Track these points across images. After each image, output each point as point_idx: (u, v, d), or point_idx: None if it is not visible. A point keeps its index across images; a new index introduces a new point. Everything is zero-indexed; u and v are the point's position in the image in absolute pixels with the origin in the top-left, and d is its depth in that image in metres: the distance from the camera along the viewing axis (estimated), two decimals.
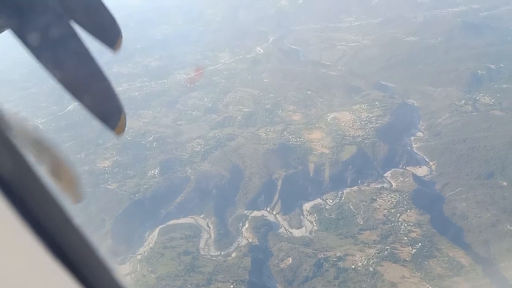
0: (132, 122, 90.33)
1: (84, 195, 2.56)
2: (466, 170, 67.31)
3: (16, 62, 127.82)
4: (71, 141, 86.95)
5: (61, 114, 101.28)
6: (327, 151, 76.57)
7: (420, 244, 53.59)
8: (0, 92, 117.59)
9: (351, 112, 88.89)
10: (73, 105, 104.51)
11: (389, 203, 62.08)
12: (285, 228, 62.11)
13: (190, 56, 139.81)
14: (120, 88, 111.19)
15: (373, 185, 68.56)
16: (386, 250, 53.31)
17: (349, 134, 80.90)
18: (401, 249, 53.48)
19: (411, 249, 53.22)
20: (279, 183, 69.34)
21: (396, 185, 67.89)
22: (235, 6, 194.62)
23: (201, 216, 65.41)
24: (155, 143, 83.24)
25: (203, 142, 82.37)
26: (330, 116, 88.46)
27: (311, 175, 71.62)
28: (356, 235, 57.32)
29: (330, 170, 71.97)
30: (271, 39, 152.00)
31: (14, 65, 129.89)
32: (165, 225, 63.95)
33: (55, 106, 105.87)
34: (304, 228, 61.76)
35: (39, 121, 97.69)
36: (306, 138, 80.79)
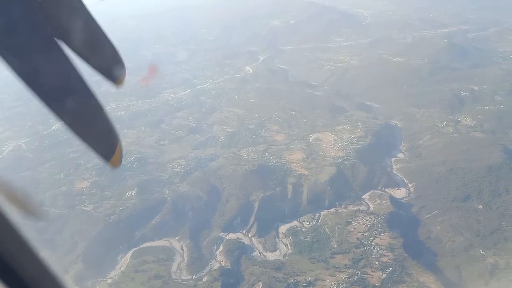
0: None
1: (42, 213, 2.51)
2: (444, 192, 67.02)
3: (6, 82, 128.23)
4: (52, 161, 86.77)
5: (46, 134, 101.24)
6: (306, 172, 76.41)
7: (391, 268, 52.93)
8: None
9: (334, 133, 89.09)
10: (58, 125, 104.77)
11: (364, 226, 61.58)
12: (259, 251, 61.41)
13: (179, 75, 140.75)
14: (108, 107, 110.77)
15: (350, 207, 68.09)
16: (357, 275, 52.60)
17: (330, 155, 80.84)
18: (372, 273, 52.79)
19: (381, 274, 52.51)
20: (256, 205, 68.92)
21: (373, 208, 67.45)
22: (228, 26, 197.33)
23: (176, 238, 64.74)
24: (135, 163, 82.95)
25: (184, 163, 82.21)
26: (313, 136, 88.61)
27: (289, 196, 71.24)
28: (329, 259, 56.64)
29: (308, 192, 71.66)
30: (261, 58, 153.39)
31: (4, 84, 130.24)
32: (138, 248, 63.23)
33: (41, 125, 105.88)
34: (278, 251, 61.05)
35: (23, 141, 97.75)
36: (287, 159, 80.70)
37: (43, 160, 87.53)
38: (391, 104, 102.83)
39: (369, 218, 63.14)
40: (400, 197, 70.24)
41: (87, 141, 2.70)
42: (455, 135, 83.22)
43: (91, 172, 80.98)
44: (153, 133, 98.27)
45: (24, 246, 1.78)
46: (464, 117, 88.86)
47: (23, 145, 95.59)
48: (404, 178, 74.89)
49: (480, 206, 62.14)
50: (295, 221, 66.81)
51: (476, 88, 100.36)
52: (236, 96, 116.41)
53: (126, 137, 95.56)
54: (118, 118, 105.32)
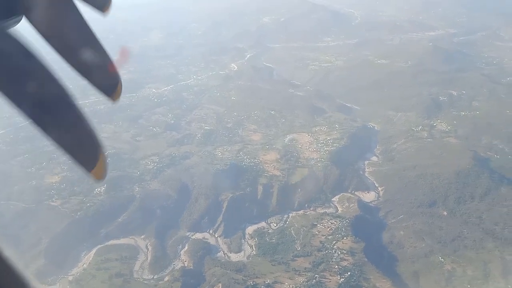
0: None
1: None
2: (411, 197, 67.31)
3: None
4: (26, 154, 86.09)
5: (22, 126, 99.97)
6: (278, 173, 76.41)
7: (349, 273, 53.08)
8: None
9: (310, 134, 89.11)
10: None
11: (329, 229, 61.73)
12: (223, 252, 61.40)
13: (164, 70, 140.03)
14: (87, 101, 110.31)
15: (319, 210, 68.22)
16: (315, 279, 52.70)
17: (303, 157, 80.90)
18: (330, 277, 52.93)
19: (339, 278, 52.67)
20: (225, 205, 68.85)
21: (341, 210, 67.64)
22: (218, 21, 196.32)
23: (142, 237, 64.57)
24: (109, 159, 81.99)
25: (157, 160, 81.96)
26: (289, 137, 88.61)
27: (258, 197, 71.25)
28: (290, 261, 56.71)
29: (278, 193, 71.70)
30: (248, 56, 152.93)
31: None
32: (103, 245, 62.98)
33: (18, 117, 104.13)
34: (242, 252, 61.08)
35: None
36: (261, 159, 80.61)
37: (16, 153, 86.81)
38: (371, 107, 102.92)
39: (335, 221, 63.30)
40: (369, 201, 70.45)
41: (66, 150, 2.54)
42: (429, 140, 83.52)
43: (62, 167, 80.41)
44: (130, 128, 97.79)
45: None
46: (440, 122, 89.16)
47: None
48: (375, 182, 75.10)
49: (445, 213, 62.50)
50: (263, 222, 66.88)
51: (454, 93, 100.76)
52: (218, 94, 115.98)
53: (103, 132, 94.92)
54: (96, 112, 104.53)
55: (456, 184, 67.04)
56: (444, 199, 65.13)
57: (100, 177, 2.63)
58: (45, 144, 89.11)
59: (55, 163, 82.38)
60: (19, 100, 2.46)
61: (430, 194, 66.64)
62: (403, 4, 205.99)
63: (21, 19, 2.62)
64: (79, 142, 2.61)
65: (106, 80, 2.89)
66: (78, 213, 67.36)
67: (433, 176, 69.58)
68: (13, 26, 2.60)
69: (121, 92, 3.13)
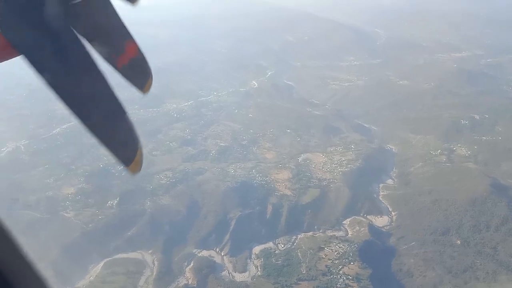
0: None
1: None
2: (424, 224, 65.42)
3: (17, 83, 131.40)
4: (46, 165, 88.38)
5: (45, 137, 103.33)
6: (289, 192, 75.80)
7: None
8: None
9: (325, 154, 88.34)
10: (58, 129, 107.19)
11: (336, 253, 60.51)
12: (228, 271, 60.97)
13: (186, 86, 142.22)
14: None
15: (328, 232, 67.11)
16: None
17: (316, 177, 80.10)
18: None
19: None
20: (233, 223, 68.62)
21: (351, 234, 66.31)
22: (242, 38, 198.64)
23: (149, 251, 64.92)
24: (124, 172, 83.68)
25: (171, 175, 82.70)
26: (303, 156, 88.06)
27: (267, 216, 70.72)
28: (294, 285, 55.78)
29: (288, 213, 71.00)
30: (269, 73, 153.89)
31: (15, 85, 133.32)
32: (111, 258, 63.65)
33: (42, 129, 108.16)
34: (247, 272, 60.51)
35: (22, 143, 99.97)
36: (273, 177, 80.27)
37: (37, 164, 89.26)
38: (389, 128, 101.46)
39: (343, 245, 62.05)
40: (381, 225, 68.86)
41: (107, 144, 2.71)
42: (447, 164, 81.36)
43: (79, 179, 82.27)
44: (149, 143, 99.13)
45: (13, 247, 1.89)
46: (460, 146, 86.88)
47: (22, 147, 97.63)
48: (388, 206, 73.47)
49: (458, 241, 60.37)
50: (270, 243, 66.19)
51: (476, 116, 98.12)
52: (236, 111, 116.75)
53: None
54: None
55: (472, 212, 64.79)
56: (458, 227, 62.97)
57: (136, 171, 2.87)
58: (64, 156, 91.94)
59: (72, 175, 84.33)
60: (68, 93, 2.63)
61: (444, 221, 64.57)
62: (430, 24, 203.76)
63: None
64: (120, 138, 2.84)
65: (139, 76, 3.21)
66: (90, 225, 68.44)
67: (448, 203, 67.51)
68: None
69: (151, 85, 3.46)
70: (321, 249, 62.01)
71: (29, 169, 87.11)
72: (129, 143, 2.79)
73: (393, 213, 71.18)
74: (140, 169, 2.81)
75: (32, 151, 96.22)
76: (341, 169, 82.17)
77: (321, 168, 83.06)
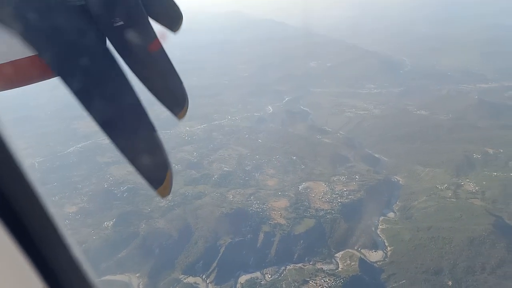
0: (116, 170, 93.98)
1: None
2: (418, 261, 62.64)
3: (49, 101, 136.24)
4: (55, 183, 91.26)
5: (60, 155, 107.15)
6: (283, 221, 74.72)
7: None
8: (20, 127, 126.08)
9: (327, 184, 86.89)
10: (74, 148, 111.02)
11: (320, 287, 58.73)
12: None
13: (203, 109, 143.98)
14: None
15: (318, 265, 65.39)
16: None
17: (314, 207, 78.73)
18: None
19: None
20: (222, 250, 68.10)
21: (342, 267, 64.36)
22: (266, 64, 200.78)
23: (137, 275, 65.27)
24: (126, 193, 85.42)
25: (170, 198, 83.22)
26: (304, 185, 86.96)
27: (258, 245, 69.81)
28: None
29: (279, 243, 69.87)
30: (286, 99, 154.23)
31: (47, 103, 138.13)
32: (98, 280, 62.77)
33: (60, 146, 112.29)
34: None
35: (38, 160, 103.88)
36: (270, 205, 79.51)
37: (47, 181, 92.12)
38: (399, 159, 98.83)
39: (329, 279, 60.23)
40: (374, 261, 66.43)
41: (136, 166, 2.92)
42: (452, 200, 78.08)
43: (82, 198, 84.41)
44: None
45: (61, 242, 2.01)
46: (468, 182, 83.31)
47: (36, 164, 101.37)
48: (385, 240, 70.98)
49: (450, 283, 57.31)
50: (258, 272, 65.15)
51: (491, 151, 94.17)
52: (247, 135, 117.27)
53: (128, 166, 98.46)
54: None
55: (468, 252, 61.58)
56: (452, 267, 59.90)
57: (165, 194, 2.94)
58: (74, 174, 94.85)
59: (77, 194, 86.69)
60: (101, 113, 2.79)
61: (438, 260, 61.64)
62: (460, 54, 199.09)
63: None
64: (149, 160, 2.93)
65: (175, 100, 3.36)
66: (83, 245, 69.52)
67: (445, 241, 64.56)
68: None
69: (187, 110, 3.67)
70: (306, 282, 60.42)
71: (37, 187, 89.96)
72: (159, 164, 2.86)
73: (388, 248, 68.66)
74: (169, 192, 2.89)
75: (45, 169, 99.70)
76: (341, 200, 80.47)
77: (320, 198, 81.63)
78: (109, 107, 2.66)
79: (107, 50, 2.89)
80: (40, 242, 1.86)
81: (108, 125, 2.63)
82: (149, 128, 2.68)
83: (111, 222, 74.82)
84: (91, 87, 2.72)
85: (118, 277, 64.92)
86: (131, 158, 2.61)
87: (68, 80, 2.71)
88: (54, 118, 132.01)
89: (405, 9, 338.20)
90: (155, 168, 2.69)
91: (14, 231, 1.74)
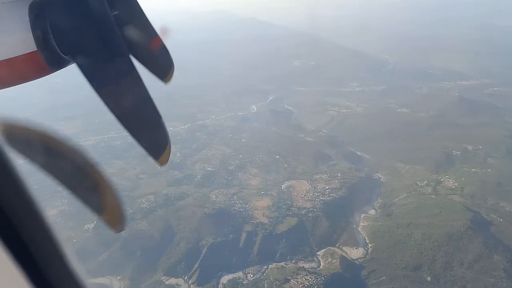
0: None
1: (125, 225, 3.21)
2: (397, 258, 63.42)
3: (33, 102, 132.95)
4: (35, 185, 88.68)
5: None
6: (266, 220, 74.94)
7: None
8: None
9: (309, 182, 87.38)
10: None
11: (301, 285, 59.12)
12: None
13: (187, 109, 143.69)
14: (106, 136, 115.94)
15: (300, 263, 65.74)
16: None
17: (296, 205, 79.11)
18: None
19: None
20: (204, 250, 68.04)
21: (323, 265, 64.83)
22: (251, 64, 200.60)
23: (118, 277, 64.82)
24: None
25: (152, 199, 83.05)
26: (287, 183, 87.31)
27: (240, 245, 69.91)
28: None
29: (261, 242, 70.05)
30: (270, 98, 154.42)
31: (31, 104, 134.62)
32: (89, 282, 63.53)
33: None
34: None
35: (18, 162, 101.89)
36: (253, 205, 79.66)
37: (34, 183, 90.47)
38: (381, 156, 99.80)
39: (310, 277, 60.62)
40: (355, 258, 67.04)
41: (141, 138, 3.20)
42: (432, 196, 79.22)
43: (63, 201, 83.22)
44: (138, 165, 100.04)
45: (56, 249, 1.93)
46: (448, 178, 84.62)
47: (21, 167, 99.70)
48: (366, 237, 71.68)
49: (429, 278, 58.17)
50: (240, 272, 65.18)
51: (470, 147, 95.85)
52: (231, 135, 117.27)
53: (111, 167, 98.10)
54: (112, 147, 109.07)
55: (447, 248, 62.57)
56: (430, 263, 60.79)
57: (164, 163, 3.15)
58: None
59: (58, 197, 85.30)
60: (111, 96, 3.15)
61: (417, 256, 62.50)
62: (442, 52, 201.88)
63: None
64: (152, 133, 3.20)
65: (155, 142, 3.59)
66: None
67: (424, 237, 65.49)
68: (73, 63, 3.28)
69: (168, 158, 3.78)
70: (287, 280, 60.72)
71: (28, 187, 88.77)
72: (161, 139, 3.23)
73: (369, 245, 69.37)
74: (167, 162, 3.15)
75: (25, 171, 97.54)
76: (323, 198, 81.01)
77: (303, 196, 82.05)
78: (119, 91, 3.06)
79: (121, 40, 3.23)
80: (29, 242, 1.81)
81: (118, 107, 3.03)
82: (154, 110, 3.13)
83: (92, 225, 74.07)
84: (103, 73, 3.08)
85: (99, 280, 64.30)
86: (137, 133, 2.98)
87: (84, 68, 3.01)
88: (38, 120, 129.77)
89: (396, 9, 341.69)
90: (158, 143, 3.12)
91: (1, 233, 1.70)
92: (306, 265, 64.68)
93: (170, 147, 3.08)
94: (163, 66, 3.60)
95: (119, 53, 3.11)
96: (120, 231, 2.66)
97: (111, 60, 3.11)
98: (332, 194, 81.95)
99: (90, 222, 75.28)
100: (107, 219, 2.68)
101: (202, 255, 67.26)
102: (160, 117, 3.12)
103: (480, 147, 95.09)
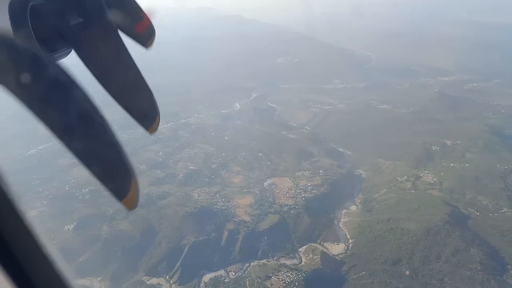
0: (78, 172, 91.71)
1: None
2: (377, 253, 64.19)
3: (8, 102, 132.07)
4: (14, 187, 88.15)
5: (20, 158, 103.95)
6: (248, 218, 75.09)
7: None
8: None
9: (292, 179, 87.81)
10: (34, 150, 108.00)
11: (282, 282, 59.45)
12: None
13: (170, 107, 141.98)
14: None
15: (282, 260, 66.08)
16: None
17: (278, 202, 79.44)
18: None
19: None
20: (186, 249, 67.91)
21: (305, 262, 65.32)
22: (234, 62, 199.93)
23: (98, 278, 64.27)
24: (88, 195, 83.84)
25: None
26: (269, 181, 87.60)
27: (222, 243, 69.93)
28: None
29: (243, 240, 70.17)
30: (254, 95, 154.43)
31: (6, 104, 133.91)
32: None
33: (20, 149, 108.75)
34: None
35: None
36: (235, 203, 79.72)
37: (10, 184, 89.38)
38: (362, 153, 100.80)
39: (291, 274, 60.98)
40: (336, 253, 67.67)
41: (97, 176, 2.56)
42: (412, 191, 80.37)
43: (43, 202, 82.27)
44: None
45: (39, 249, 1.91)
46: (427, 173, 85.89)
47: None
48: (347, 233, 72.40)
49: (407, 272, 59.07)
50: (222, 270, 65.20)
51: (449, 142, 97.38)
52: (213, 133, 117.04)
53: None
54: None
55: (425, 242, 63.57)
56: (409, 257, 61.71)
57: (131, 206, 2.49)
58: (34, 178, 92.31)
59: (38, 197, 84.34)
60: (55, 124, 2.45)
61: (396, 251, 63.38)
62: (423, 49, 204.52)
63: (70, 52, 2.78)
64: (111, 169, 2.50)
65: (144, 111, 3.06)
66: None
67: (403, 232, 66.40)
68: (62, 58, 2.81)
69: (157, 127, 3.38)
70: (268, 277, 61.01)
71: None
72: (122, 176, 2.53)
73: (350, 241, 70.07)
74: (136, 205, 2.56)
75: (3, 172, 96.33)
76: (305, 195, 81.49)
77: (285, 193, 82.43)
78: (66, 118, 2.26)
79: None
80: (11, 242, 1.80)
81: (62, 129, 2.31)
82: (107, 131, 2.38)
83: (72, 226, 73.35)
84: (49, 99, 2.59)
85: (79, 282, 63.44)
86: (92, 170, 2.33)
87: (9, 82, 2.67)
88: (14, 121, 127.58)
89: (384, 7, 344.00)
90: (118, 180, 2.37)
91: None
92: (288, 262, 65.03)
93: (136, 186, 2.67)
94: (147, 113, 3.16)
95: (108, 31, 2.87)
96: (133, 209, 2.55)
97: (99, 36, 2.84)
98: (314, 191, 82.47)
99: (70, 223, 74.66)
100: (126, 201, 2.47)
101: (183, 254, 67.08)
102: (116, 140, 2.63)
103: (459, 142, 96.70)
